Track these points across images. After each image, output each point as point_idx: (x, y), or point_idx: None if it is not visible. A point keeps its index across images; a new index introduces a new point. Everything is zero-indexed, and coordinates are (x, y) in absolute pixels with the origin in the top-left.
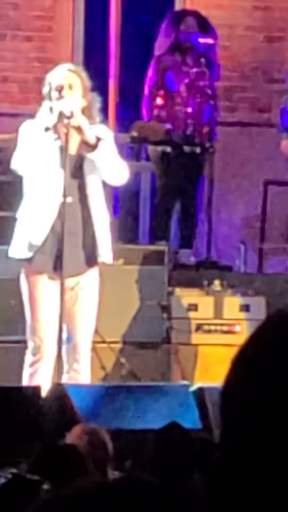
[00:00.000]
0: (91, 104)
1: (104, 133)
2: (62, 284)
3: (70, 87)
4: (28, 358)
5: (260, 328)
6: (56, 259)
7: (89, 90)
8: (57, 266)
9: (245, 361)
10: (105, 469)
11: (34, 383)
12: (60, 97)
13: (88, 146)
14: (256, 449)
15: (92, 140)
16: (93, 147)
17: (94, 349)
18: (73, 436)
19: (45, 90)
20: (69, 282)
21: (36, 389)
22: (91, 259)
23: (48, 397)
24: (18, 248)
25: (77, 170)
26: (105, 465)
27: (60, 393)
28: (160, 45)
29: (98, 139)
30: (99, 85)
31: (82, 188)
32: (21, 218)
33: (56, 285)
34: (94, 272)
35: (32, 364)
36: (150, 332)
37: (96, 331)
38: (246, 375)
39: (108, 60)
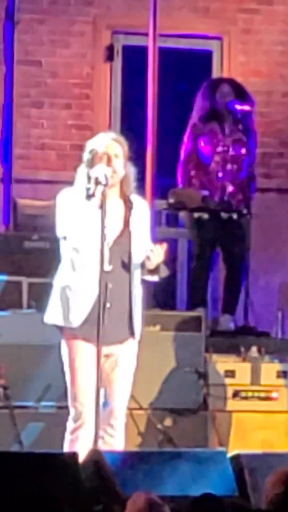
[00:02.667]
0: (129, 173)
1: (145, 212)
2: (98, 352)
3: (116, 156)
4: (70, 424)
5: None
6: (99, 327)
7: (128, 160)
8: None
9: None
10: None
11: (75, 449)
12: (108, 165)
13: (151, 272)
14: None
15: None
16: (154, 272)
17: (131, 415)
18: (135, 508)
19: (86, 157)
20: (110, 349)
21: (73, 455)
22: (132, 328)
23: (86, 463)
24: (58, 315)
25: (121, 240)
26: None
27: (97, 459)
28: (196, 112)
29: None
30: (137, 152)
31: (125, 257)
32: (61, 285)
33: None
34: (134, 340)
35: (73, 431)
36: (187, 398)
37: (133, 397)
38: None
39: (145, 127)
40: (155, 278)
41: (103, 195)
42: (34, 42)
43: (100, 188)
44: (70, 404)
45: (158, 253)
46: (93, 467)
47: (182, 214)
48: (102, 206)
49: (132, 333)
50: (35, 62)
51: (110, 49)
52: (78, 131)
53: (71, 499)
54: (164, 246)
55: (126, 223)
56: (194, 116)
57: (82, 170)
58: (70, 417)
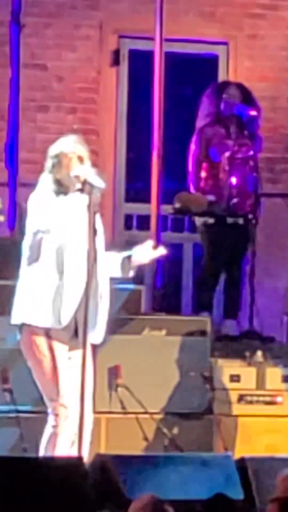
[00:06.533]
0: None
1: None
2: (84, 353)
3: (85, 157)
4: (54, 427)
5: None
6: (86, 327)
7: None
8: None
9: None
10: None
11: (58, 452)
12: (81, 165)
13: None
14: None
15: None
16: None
17: (136, 420)
18: (137, 506)
19: (52, 161)
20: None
21: (79, 459)
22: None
23: (91, 467)
24: (43, 316)
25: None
26: None
27: (103, 463)
28: (203, 116)
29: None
30: (142, 156)
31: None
32: (45, 285)
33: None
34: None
35: (56, 434)
36: (192, 402)
37: (139, 402)
38: None
39: (151, 131)
40: (130, 274)
41: (91, 194)
42: (40, 45)
43: (88, 187)
44: (52, 405)
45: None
46: (99, 471)
47: (196, 220)
48: (89, 206)
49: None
50: (41, 66)
51: (116, 53)
52: (84, 135)
53: (76, 503)
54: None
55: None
56: (201, 121)
57: (46, 177)
58: (57, 419)
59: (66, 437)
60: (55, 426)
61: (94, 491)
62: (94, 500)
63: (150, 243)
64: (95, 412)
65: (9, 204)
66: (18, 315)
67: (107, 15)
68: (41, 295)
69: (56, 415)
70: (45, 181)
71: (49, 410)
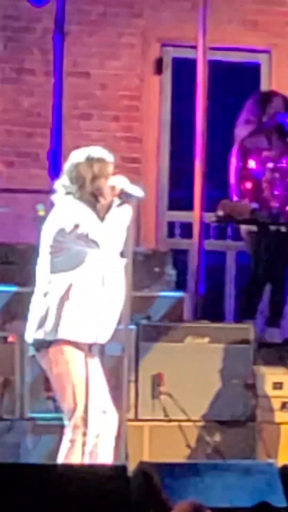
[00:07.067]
0: None
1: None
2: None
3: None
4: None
5: None
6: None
7: None
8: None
9: None
10: None
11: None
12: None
13: None
14: None
15: None
16: None
17: (179, 428)
18: (180, 508)
19: (97, 167)
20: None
21: (122, 467)
22: None
23: (134, 475)
24: (84, 331)
25: None
26: None
27: (146, 471)
28: (243, 124)
29: None
30: (186, 164)
31: None
32: (86, 300)
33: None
34: None
35: (84, 443)
36: (235, 410)
37: (182, 409)
38: None
39: (194, 139)
40: None
41: (130, 203)
42: (83, 54)
43: (133, 200)
44: (75, 417)
45: None
46: (142, 479)
47: (241, 228)
48: (137, 219)
49: None
50: (84, 74)
51: (159, 61)
52: (127, 143)
53: (120, 511)
54: None
55: None
56: (241, 129)
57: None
58: (80, 431)
59: (87, 448)
60: (73, 440)
61: (137, 499)
62: (137, 508)
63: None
64: (137, 419)
65: None
66: (49, 330)
67: (150, 23)
68: (82, 311)
69: (77, 427)
70: (78, 192)
71: (68, 423)
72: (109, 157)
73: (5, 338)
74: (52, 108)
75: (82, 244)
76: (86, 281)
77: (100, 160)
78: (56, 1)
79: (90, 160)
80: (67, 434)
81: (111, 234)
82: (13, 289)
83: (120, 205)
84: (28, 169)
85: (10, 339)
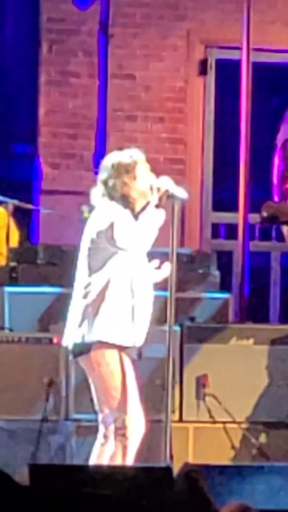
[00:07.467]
0: None
1: None
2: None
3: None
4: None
5: None
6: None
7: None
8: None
9: None
10: None
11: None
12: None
13: None
14: None
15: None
16: None
17: (224, 429)
18: (227, 509)
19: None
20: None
21: (167, 469)
22: None
23: (179, 476)
24: (123, 335)
25: None
26: None
27: (191, 472)
28: (286, 129)
29: None
30: (230, 165)
31: None
32: (123, 303)
33: None
34: None
35: (126, 446)
36: (280, 412)
37: (227, 411)
38: None
39: (238, 141)
40: None
41: (174, 205)
42: (128, 55)
43: (177, 201)
44: (121, 418)
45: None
46: (187, 480)
47: (284, 229)
48: (173, 221)
49: None
50: (128, 76)
51: (204, 63)
52: (172, 144)
53: None
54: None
55: None
56: (285, 132)
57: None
58: (126, 432)
59: (134, 447)
60: (123, 439)
61: (181, 501)
62: (181, 510)
63: (155, 262)
64: (182, 421)
65: None
66: (87, 332)
67: (194, 25)
68: (118, 313)
69: (126, 427)
70: (109, 195)
71: (105, 424)
72: (136, 156)
73: (50, 340)
74: (97, 110)
75: (114, 245)
76: (120, 283)
77: (125, 162)
78: (100, 3)
79: (115, 162)
80: (109, 437)
81: (140, 235)
82: (58, 290)
83: (158, 205)
84: (73, 171)
85: (55, 340)
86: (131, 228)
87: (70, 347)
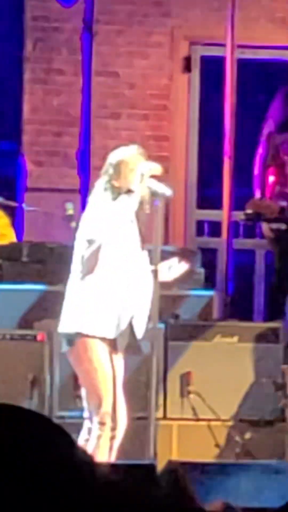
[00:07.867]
0: None
1: None
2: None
3: None
4: (105, 433)
5: None
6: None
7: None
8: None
9: None
10: None
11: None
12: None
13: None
14: None
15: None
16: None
17: (208, 427)
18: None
19: (113, 169)
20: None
21: (151, 466)
22: None
23: (162, 474)
24: (106, 326)
25: None
26: None
27: (174, 470)
28: (272, 121)
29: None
30: (214, 163)
31: None
32: (104, 293)
33: None
34: None
35: (111, 438)
36: (264, 410)
37: (211, 409)
38: None
39: (223, 138)
40: None
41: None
42: (112, 53)
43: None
44: (101, 413)
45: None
46: (170, 478)
47: (263, 228)
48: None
49: None
50: (112, 73)
51: (188, 60)
52: (156, 142)
53: (147, 511)
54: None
55: None
56: (269, 125)
57: (104, 185)
58: (103, 428)
59: (117, 443)
60: (99, 436)
61: (165, 499)
62: (165, 508)
63: (175, 260)
64: (166, 418)
65: (81, 211)
66: (75, 324)
67: (178, 22)
68: (103, 305)
69: (103, 424)
70: (104, 189)
71: (94, 419)
72: (140, 152)
73: (34, 337)
74: (81, 107)
75: (108, 241)
76: (111, 277)
77: (121, 158)
78: (84, 1)
79: (120, 158)
80: (94, 431)
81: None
82: (43, 287)
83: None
84: (57, 168)
85: (39, 337)
86: (103, 220)
87: (62, 336)
